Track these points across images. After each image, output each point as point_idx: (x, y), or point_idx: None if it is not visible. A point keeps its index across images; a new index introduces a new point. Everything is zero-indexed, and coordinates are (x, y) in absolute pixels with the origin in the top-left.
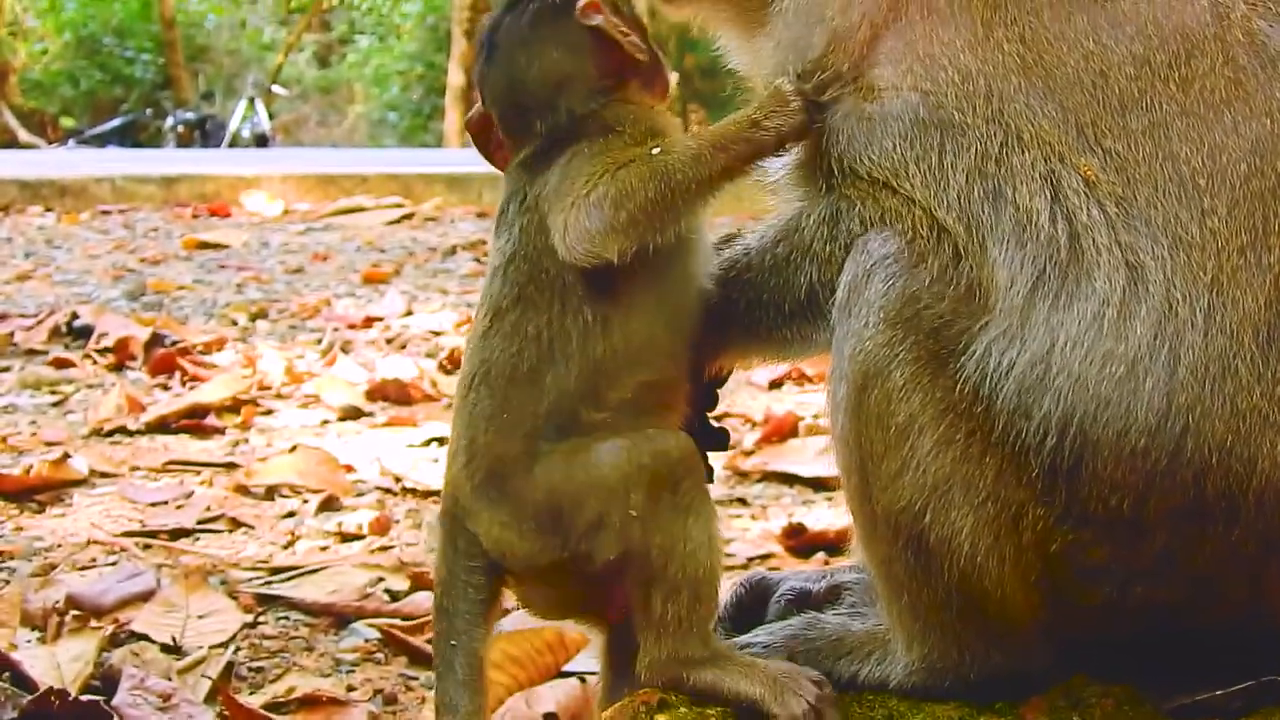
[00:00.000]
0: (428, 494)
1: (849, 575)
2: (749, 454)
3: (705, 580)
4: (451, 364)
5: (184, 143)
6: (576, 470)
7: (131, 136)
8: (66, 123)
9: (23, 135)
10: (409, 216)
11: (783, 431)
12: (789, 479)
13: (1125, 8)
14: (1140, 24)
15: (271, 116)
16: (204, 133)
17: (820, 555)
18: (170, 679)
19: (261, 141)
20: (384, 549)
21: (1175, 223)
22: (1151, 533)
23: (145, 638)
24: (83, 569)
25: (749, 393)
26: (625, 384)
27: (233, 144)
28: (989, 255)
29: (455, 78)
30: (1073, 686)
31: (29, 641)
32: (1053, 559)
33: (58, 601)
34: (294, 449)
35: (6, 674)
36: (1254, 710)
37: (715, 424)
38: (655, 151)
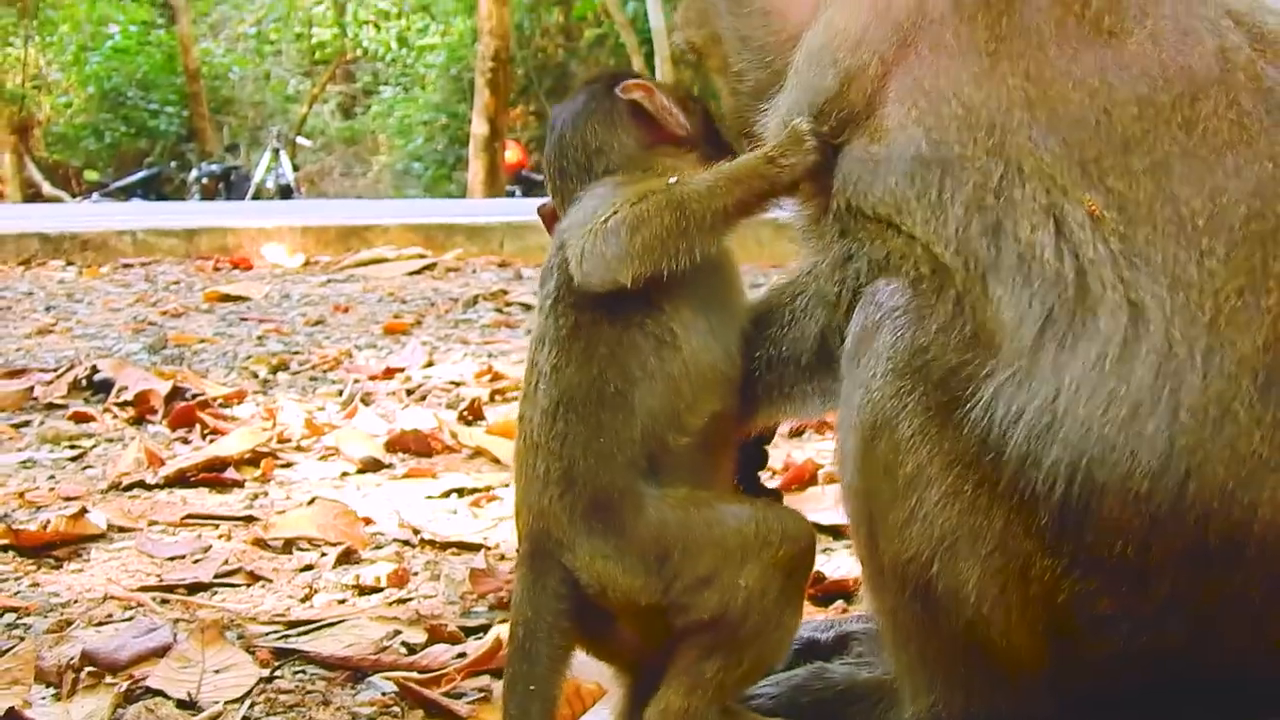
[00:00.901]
0: (446, 546)
1: (857, 625)
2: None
3: (768, 662)
4: (472, 414)
5: (208, 195)
6: (697, 522)
7: (156, 189)
8: (90, 176)
9: (47, 189)
10: (430, 267)
11: (802, 479)
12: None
13: (1132, 48)
14: (1146, 65)
15: (296, 168)
16: (228, 185)
17: (839, 603)
18: None
19: (286, 193)
20: (401, 601)
21: (1174, 263)
22: (1155, 580)
23: (160, 693)
24: (99, 625)
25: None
26: (701, 410)
27: (257, 196)
28: (992, 294)
29: (479, 128)
30: None
31: (43, 699)
32: (1059, 609)
33: (73, 658)
34: (312, 501)
35: None
36: None
37: (767, 485)
38: (672, 182)
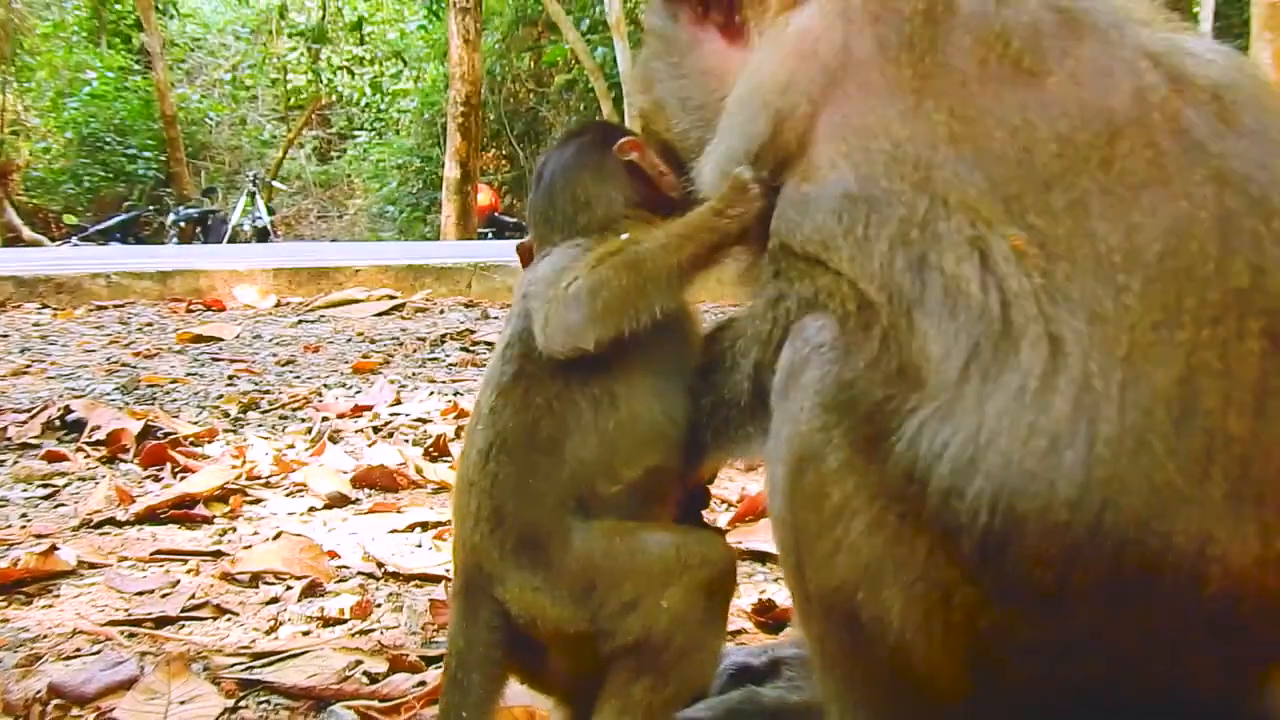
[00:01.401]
0: (409, 578)
1: (788, 651)
2: (724, 533)
3: (693, 683)
4: (437, 451)
5: (186, 238)
6: (620, 551)
7: (134, 233)
8: (70, 220)
9: (26, 233)
10: (399, 307)
11: (755, 511)
12: (761, 556)
13: (1052, 87)
14: (1066, 104)
15: (272, 211)
16: (206, 228)
17: (788, 630)
18: None
19: (263, 236)
20: (364, 633)
21: (1092, 298)
22: (1074, 609)
23: None
24: (67, 659)
25: (725, 474)
26: (637, 463)
27: (234, 239)
28: (918, 328)
29: (451, 171)
30: None
31: None
32: (980, 637)
33: (40, 691)
34: (279, 536)
35: None
36: None
37: (708, 524)
38: (624, 240)
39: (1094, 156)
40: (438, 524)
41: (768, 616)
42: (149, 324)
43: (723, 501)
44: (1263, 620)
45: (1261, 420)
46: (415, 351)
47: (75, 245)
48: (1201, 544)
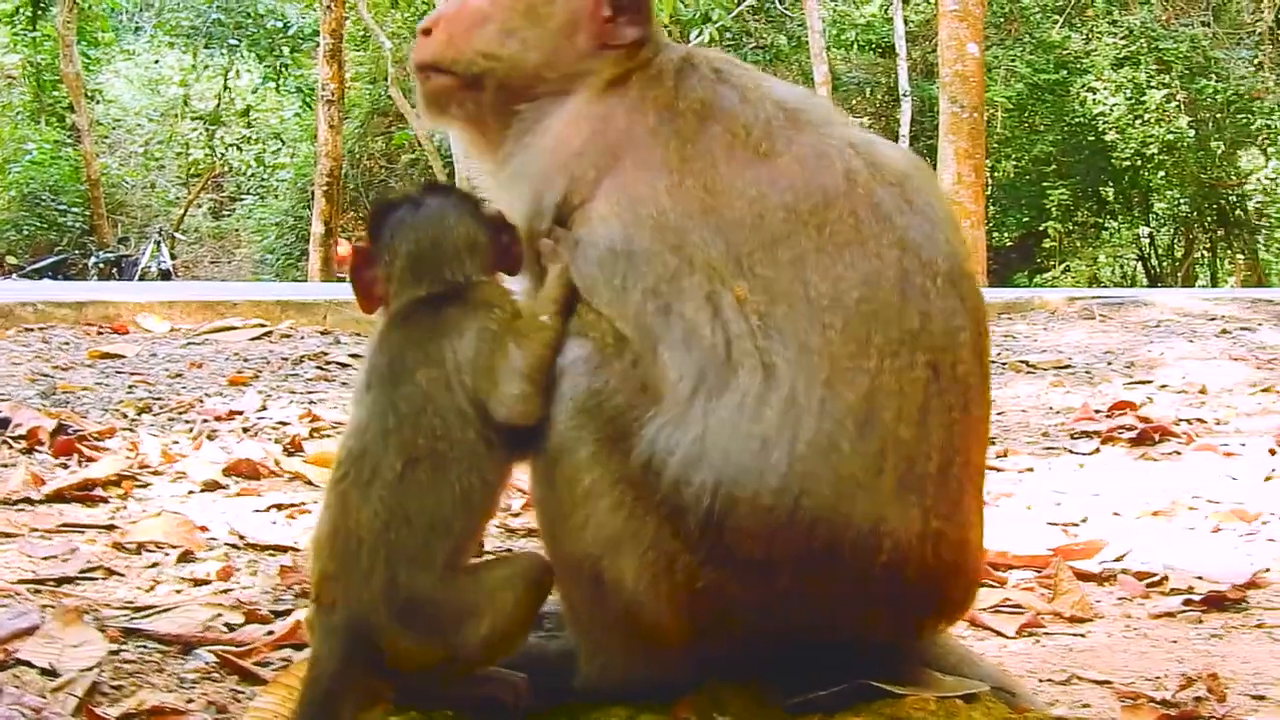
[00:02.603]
0: (265, 548)
1: (549, 607)
2: (516, 515)
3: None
4: (294, 447)
5: (105, 277)
6: (483, 591)
7: (64, 272)
8: (11, 260)
9: None
10: (268, 334)
11: None
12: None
13: (781, 166)
14: (792, 180)
15: (174, 257)
16: (120, 269)
17: None
18: (44, 697)
19: (166, 276)
20: (225, 592)
21: (803, 333)
22: (776, 573)
23: (28, 664)
24: None
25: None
26: (487, 521)
27: (143, 278)
28: (660, 358)
29: (317, 228)
30: (713, 688)
31: None
32: (697, 595)
33: None
34: (160, 514)
35: None
36: (849, 705)
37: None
38: (542, 319)
39: (811, 221)
40: (291, 505)
41: None
42: (66, 344)
43: (518, 490)
44: (922, 583)
45: (923, 429)
46: (279, 369)
47: (14, 281)
48: (877, 523)
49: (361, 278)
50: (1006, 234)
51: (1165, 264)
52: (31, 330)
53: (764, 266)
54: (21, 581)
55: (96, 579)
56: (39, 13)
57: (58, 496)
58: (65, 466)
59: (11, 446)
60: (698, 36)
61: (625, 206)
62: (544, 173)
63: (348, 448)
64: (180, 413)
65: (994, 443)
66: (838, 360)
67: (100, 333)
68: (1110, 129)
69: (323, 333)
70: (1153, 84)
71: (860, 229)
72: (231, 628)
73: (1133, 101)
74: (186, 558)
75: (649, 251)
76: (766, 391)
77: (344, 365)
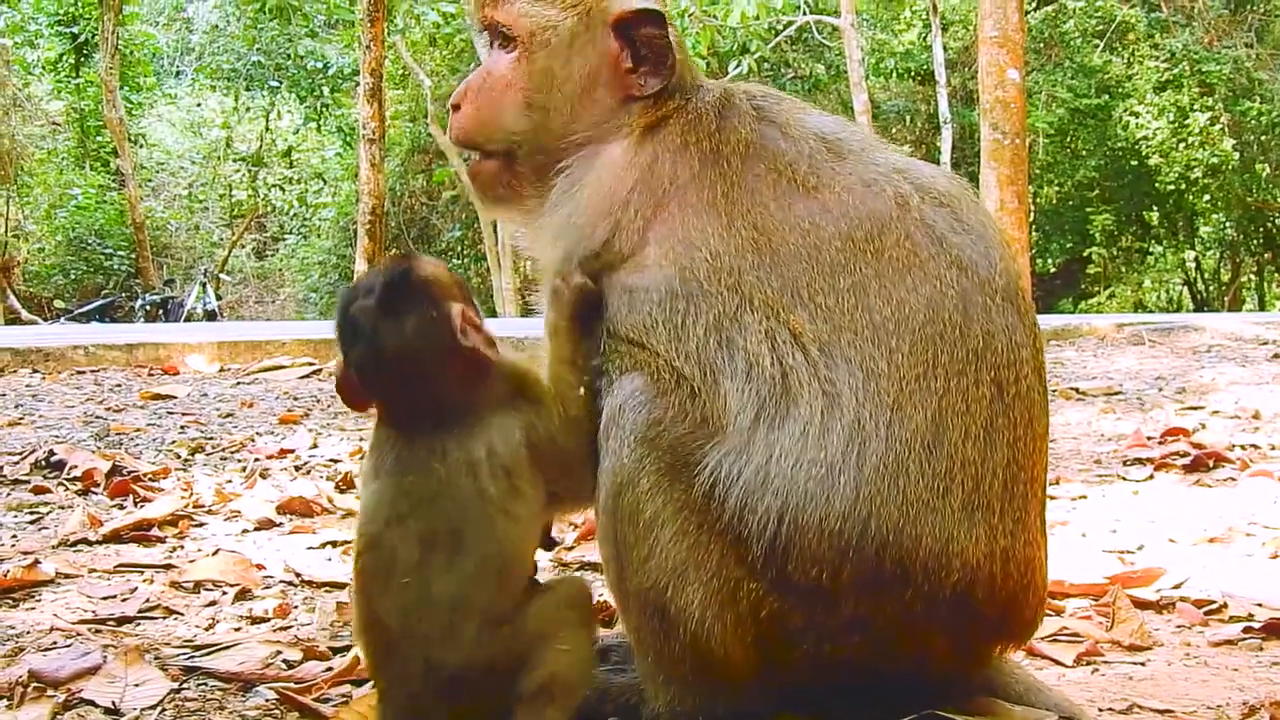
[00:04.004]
0: (321, 585)
1: (614, 640)
2: (570, 549)
3: (584, 689)
4: (345, 484)
5: (151, 319)
6: (524, 637)
7: (110, 315)
8: (59, 304)
9: (24, 315)
10: (317, 372)
11: (593, 531)
12: (598, 566)
13: (831, 197)
14: (844, 209)
15: (219, 298)
16: (166, 311)
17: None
18: None
19: (211, 317)
20: (284, 629)
21: (869, 359)
22: (842, 599)
23: (91, 703)
24: (45, 650)
25: None
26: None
27: (189, 319)
28: (721, 390)
29: (360, 266)
30: None
31: None
32: (762, 623)
33: (22, 676)
34: (217, 552)
35: None
36: None
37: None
38: (576, 396)
39: (869, 247)
40: (345, 542)
41: (606, 614)
42: (118, 385)
43: (570, 524)
44: (991, 604)
45: (989, 447)
46: (329, 406)
47: (63, 324)
48: (945, 543)
49: (345, 390)
50: (1050, 260)
51: (1211, 288)
52: (83, 373)
53: (825, 296)
54: (82, 621)
55: (156, 618)
56: (82, 60)
57: (115, 537)
58: (121, 507)
59: (68, 488)
60: (736, 68)
61: (680, 251)
62: (588, 222)
63: (365, 534)
64: (233, 452)
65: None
66: (905, 383)
67: (151, 374)
68: (1153, 153)
69: None
70: (1196, 107)
71: (917, 251)
72: (290, 665)
73: (1176, 125)
74: (244, 596)
75: (707, 291)
76: (830, 419)
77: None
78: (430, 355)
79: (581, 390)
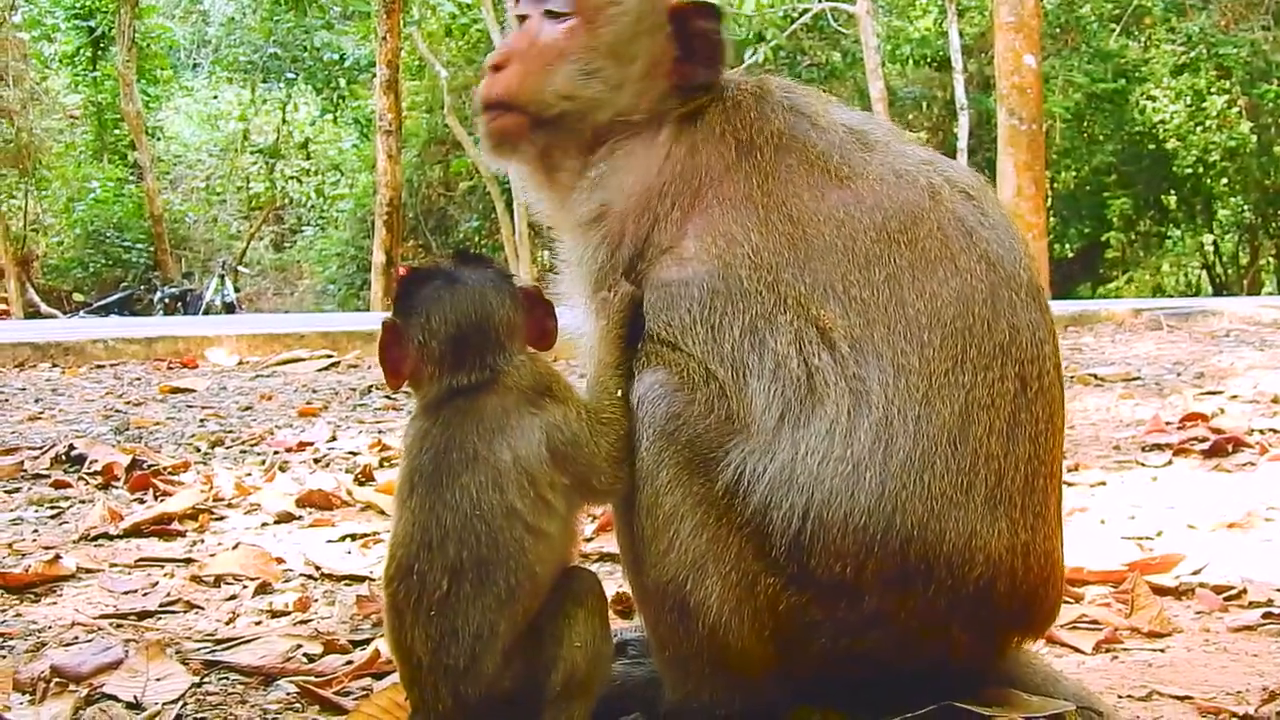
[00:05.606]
0: (340, 578)
1: (633, 634)
2: (589, 540)
3: (604, 684)
4: (364, 477)
5: (170, 312)
6: (536, 641)
7: (129, 308)
8: (78, 298)
9: (44, 308)
10: (335, 364)
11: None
12: (617, 558)
13: (864, 188)
14: (876, 199)
15: (238, 290)
16: (185, 304)
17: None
18: None
19: (230, 309)
20: (304, 622)
21: (900, 353)
22: (865, 594)
23: (113, 698)
24: (66, 645)
25: None
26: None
27: (207, 312)
28: (748, 388)
29: (378, 258)
30: (799, 715)
31: (20, 704)
32: (780, 617)
33: (44, 671)
34: (237, 546)
35: None
36: None
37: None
38: (608, 388)
39: (902, 239)
40: (364, 535)
41: (625, 606)
42: (137, 379)
43: (591, 516)
44: (1011, 597)
45: (1012, 442)
46: (348, 399)
47: (82, 317)
48: (969, 538)
49: (390, 355)
50: (1068, 245)
51: (1230, 272)
52: (103, 367)
53: (859, 289)
54: (104, 616)
55: (177, 612)
56: (99, 53)
57: (135, 531)
58: (141, 501)
59: (88, 482)
60: (751, 56)
61: (722, 246)
62: (627, 213)
63: (396, 559)
64: (252, 445)
65: (1065, 457)
66: (934, 377)
67: (170, 367)
68: (1171, 137)
69: None
70: (1213, 90)
71: (949, 244)
72: (311, 658)
73: (1193, 108)
74: (264, 589)
75: (746, 290)
76: (858, 416)
77: (411, 394)
78: (502, 302)
79: (620, 394)
